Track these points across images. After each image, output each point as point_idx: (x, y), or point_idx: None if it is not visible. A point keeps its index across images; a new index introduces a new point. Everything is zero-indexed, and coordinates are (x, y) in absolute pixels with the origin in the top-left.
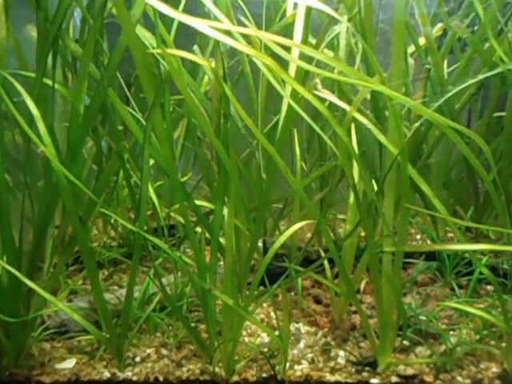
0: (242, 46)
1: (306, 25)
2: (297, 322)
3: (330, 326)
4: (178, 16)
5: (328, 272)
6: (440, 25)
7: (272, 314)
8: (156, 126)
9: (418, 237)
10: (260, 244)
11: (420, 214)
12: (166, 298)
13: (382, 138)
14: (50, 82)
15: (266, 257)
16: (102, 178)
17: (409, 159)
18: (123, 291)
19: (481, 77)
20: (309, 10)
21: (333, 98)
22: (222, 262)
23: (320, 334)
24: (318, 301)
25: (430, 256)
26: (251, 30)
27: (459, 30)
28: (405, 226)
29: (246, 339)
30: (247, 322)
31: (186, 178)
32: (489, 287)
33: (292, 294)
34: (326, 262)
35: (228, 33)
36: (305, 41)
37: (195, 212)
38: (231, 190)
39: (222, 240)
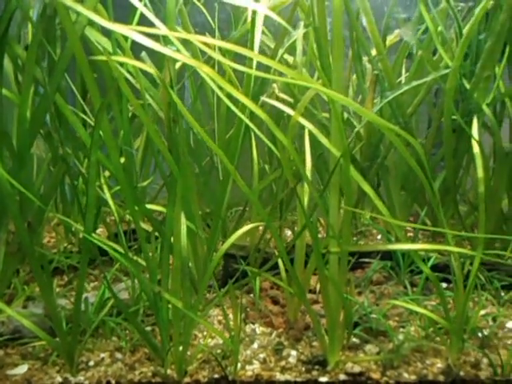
0: (180, 55)
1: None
2: (253, 323)
3: (285, 327)
4: (111, 26)
5: (282, 273)
6: (396, 32)
7: (231, 315)
8: (104, 132)
9: (379, 237)
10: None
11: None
12: (118, 303)
13: (325, 141)
14: None
15: (212, 261)
16: (50, 183)
17: (366, 160)
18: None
19: (418, 82)
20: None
21: (277, 104)
22: None
23: (274, 334)
24: (275, 302)
25: (386, 255)
26: (193, 36)
27: (406, 37)
28: (348, 227)
29: (202, 341)
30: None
31: (146, 183)
32: (444, 284)
33: (252, 295)
34: (281, 263)
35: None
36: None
37: (147, 217)
38: (178, 194)
39: None
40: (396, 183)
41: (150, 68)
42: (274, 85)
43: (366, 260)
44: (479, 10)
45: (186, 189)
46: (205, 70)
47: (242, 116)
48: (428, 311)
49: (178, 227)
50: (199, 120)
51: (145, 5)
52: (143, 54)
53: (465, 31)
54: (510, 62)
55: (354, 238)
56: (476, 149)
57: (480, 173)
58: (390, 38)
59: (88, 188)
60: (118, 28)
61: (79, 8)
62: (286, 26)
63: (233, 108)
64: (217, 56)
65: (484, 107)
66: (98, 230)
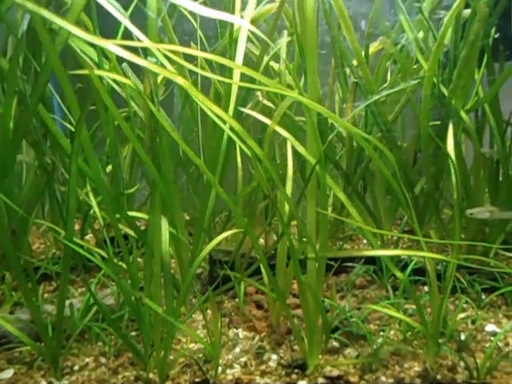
0: (155, 67)
1: None
2: (236, 328)
3: (268, 331)
4: (91, 38)
5: (265, 278)
6: (379, 40)
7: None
8: (84, 142)
9: (365, 241)
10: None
11: (366, 219)
12: (100, 308)
13: (301, 149)
14: None
15: (192, 267)
16: (32, 191)
17: (349, 167)
18: (68, 302)
19: (389, 91)
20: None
21: (255, 114)
22: None
23: (257, 338)
24: (259, 306)
25: (371, 260)
26: (172, 47)
27: (386, 46)
28: (325, 233)
29: (186, 346)
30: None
31: (133, 190)
32: (426, 288)
33: (237, 300)
34: (263, 268)
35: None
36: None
37: (129, 223)
38: (157, 201)
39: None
40: (381, 188)
41: (127, 80)
42: (259, 93)
43: (350, 264)
44: (447, 18)
45: (168, 196)
46: (179, 81)
47: (222, 125)
48: (405, 316)
49: (158, 233)
50: (188, 126)
51: (131, 14)
52: (124, 64)
53: (439, 39)
54: (488, 69)
55: (340, 243)
56: (452, 154)
57: (454, 178)
58: (374, 46)
59: (69, 195)
60: (97, 41)
61: (58, 21)
62: (273, 35)
63: (213, 117)
64: (195, 68)
65: (462, 113)
66: (88, 236)
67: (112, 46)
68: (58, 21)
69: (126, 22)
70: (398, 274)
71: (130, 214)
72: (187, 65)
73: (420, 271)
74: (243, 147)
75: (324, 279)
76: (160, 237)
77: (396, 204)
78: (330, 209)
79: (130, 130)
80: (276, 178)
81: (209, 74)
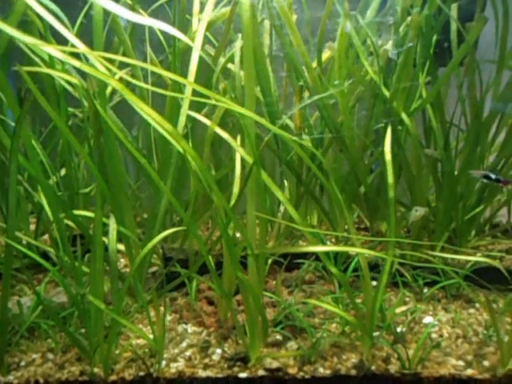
0: (89, 68)
1: None
2: (186, 323)
3: (216, 326)
4: (33, 41)
5: (214, 274)
6: (326, 46)
7: (168, 316)
8: (25, 140)
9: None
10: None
11: (323, 219)
12: (44, 306)
13: (240, 150)
14: None
15: (135, 261)
16: None
17: (300, 167)
18: (21, 300)
19: (321, 95)
20: None
21: (198, 116)
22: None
23: (205, 333)
24: (210, 302)
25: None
26: (95, 54)
27: (331, 51)
28: (264, 231)
29: (135, 341)
30: (140, 325)
31: (88, 189)
32: (374, 283)
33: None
34: (212, 266)
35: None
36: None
37: (74, 222)
38: (98, 201)
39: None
40: (336, 186)
41: (75, 80)
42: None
43: (301, 261)
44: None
45: (115, 196)
46: (113, 83)
47: (156, 125)
48: (341, 310)
49: (99, 230)
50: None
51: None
52: (67, 66)
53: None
54: (429, 72)
55: (293, 240)
56: (388, 156)
57: (390, 179)
58: (326, 50)
59: (9, 194)
60: (37, 43)
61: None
62: (226, 38)
63: (147, 118)
64: (126, 76)
65: (403, 115)
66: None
67: (48, 48)
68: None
69: (58, 25)
70: (333, 269)
71: (76, 212)
72: (116, 70)
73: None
74: (178, 147)
75: (264, 275)
76: (100, 234)
77: (350, 202)
78: (282, 208)
79: (68, 129)
80: (210, 178)
81: (143, 84)
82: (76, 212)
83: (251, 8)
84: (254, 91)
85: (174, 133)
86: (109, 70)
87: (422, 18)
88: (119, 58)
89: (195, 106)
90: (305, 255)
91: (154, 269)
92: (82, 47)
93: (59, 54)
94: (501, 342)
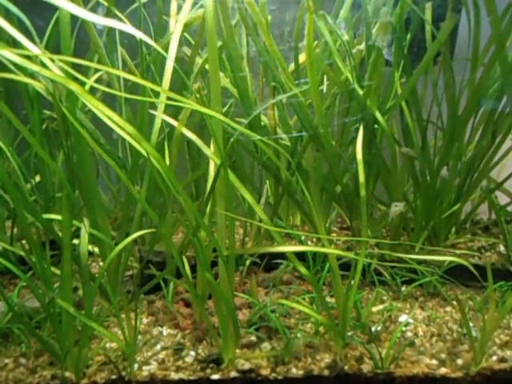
0: (47, 72)
1: None
2: (161, 326)
3: (192, 328)
4: None
5: (189, 276)
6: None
7: (144, 319)
8: None
9: (303, 238)
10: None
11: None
12: (12, 311)
13: (208, 151)
14: None
15: (103, 264)
16: None
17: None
18: None
19: (288, 93)
20: None
21: (165, 117)
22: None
23: (179, 335)
24: (187, 304)
25: (300, 256)
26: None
27: (303, 48)
28: (233, 232)
29: (108, 345)
30: (115, 329)
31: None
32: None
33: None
34: (187, 268)
35: None
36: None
37: (43, 226)
38: (64, 202)
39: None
40: (317, 186)
41: (39, 84)
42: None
43: (280, 261)
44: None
45: (88, 199)
46: (72, 87)
47: (116, 128)
48: (312, 310)
49: (67, 234)
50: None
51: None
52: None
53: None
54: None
55: (273, 241)
56: (359, 155)
57: (361, 178)
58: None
59: None
60: None
61: None
62: (201, 39)
63: (107, 121)
64: (84, 78)
65: (377, 114)
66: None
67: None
68: None
69: (11, 30)
70: (303, 270)
71: (45, 216)
72: (74, 73)
73: (342, 266)
74: (140, 149)
75: (233, 276)
76: (69, 237)
77: (329, 201)
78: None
79: (30, 132)
80: (173, 179)
81: (116, 92)
82: (46, 216)
83: (215, 10)
84: (220, 91)
85: (135, 135)
86: (67, 72)
87: (395, 18)
88: (82, 62)
89: (171, 109)
90: (283, 255)
91: (131, 272)
92: (36, 50)
93: (17, 58)
94: (473, 341)
